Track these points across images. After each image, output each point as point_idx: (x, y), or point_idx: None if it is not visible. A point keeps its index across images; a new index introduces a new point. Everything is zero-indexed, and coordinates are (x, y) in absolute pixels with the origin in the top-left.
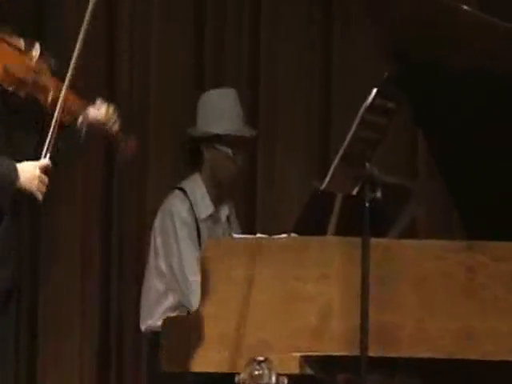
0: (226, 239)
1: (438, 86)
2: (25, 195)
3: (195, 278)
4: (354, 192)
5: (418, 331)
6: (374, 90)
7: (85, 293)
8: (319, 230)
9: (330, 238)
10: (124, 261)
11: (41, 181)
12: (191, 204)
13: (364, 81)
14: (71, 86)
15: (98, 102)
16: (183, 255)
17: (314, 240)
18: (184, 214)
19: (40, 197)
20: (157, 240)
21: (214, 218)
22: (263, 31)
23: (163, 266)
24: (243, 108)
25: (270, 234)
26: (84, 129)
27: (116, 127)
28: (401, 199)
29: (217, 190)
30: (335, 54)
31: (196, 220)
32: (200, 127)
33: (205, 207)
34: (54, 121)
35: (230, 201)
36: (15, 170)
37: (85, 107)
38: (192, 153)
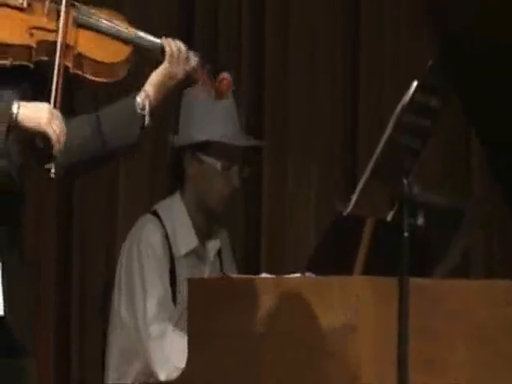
0: (218, 279)
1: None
2: (37, 138)
3: (157, 328)
4: (389, 217)
5: None
6: (414, 84)
7: None
8: (343, 267)
9: (358, 279)
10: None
11: (56, 124)
12: (167, 235)
13: (399, 75)
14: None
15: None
16: (148, 295)
17: (336, 281)
18: (155, 245)
19: (56, 142)
20: (120, 279)
21: (197, 254)
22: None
23: (126, 317)
24: (243, 110)
25: (278, 274)
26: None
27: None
28: (450, 226)
29: (203, 217)
30: (363, 48)
31: (171, 256)
32: (182, 134)
33: (185, 239)
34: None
35: (223, 231)
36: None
37: None
38: (172, 168)
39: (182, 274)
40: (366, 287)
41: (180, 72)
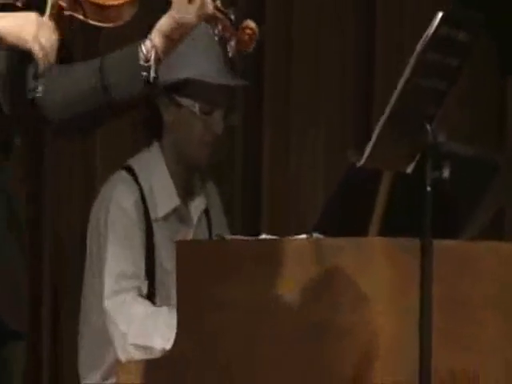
0: (212, 242)
1: None
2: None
3: (113, 300)
4: (409, 169)
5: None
6: (439, 15)
7: None
8: (356, 227)
9: (373, 241)
10: None
11: (45, 37)
12: (142, 195)
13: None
14: None
15: None
16: (107, 267)
17: (349, 243)
18: (128, 210)
19: (43, 59)
20: (91, 244)
21: (179, 215)
22: None
23: (87, 296)
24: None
25: (280, 235)
26: None
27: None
28: (480, 181)
29: (185, 171)
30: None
31: (148, 219)
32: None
33: (165, 199)
34: None
35: (210, 186)
36: None
37: None
38: (149, 116)
39: (161, 239)
40: (382, 250)
41: (192, 18)
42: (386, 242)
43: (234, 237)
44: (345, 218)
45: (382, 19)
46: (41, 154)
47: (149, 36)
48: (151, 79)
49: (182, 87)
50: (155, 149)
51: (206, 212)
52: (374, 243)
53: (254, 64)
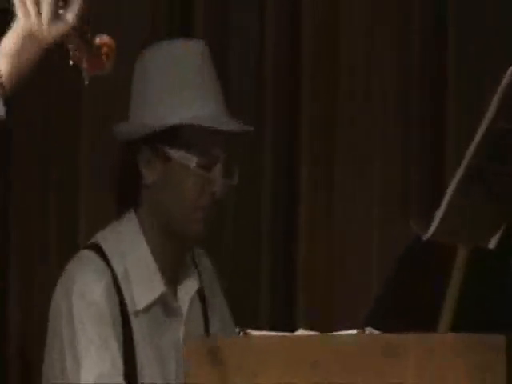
0: (230, 340)
1: None
2: None
3: None
4: (492, 245)
5: None
6: None
7: None
8: (421, 318)
9: (444, 338)
10: None
11: None
12: (116, 281)
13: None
14: None
15: None
16: (82, 371)
17: (411, 341)
18: (96, 297)
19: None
20: (50, 345)
21: (164, 302)
22: None
23: None
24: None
25: (321, 330)
26: None
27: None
28: None
29: (172, 246)
30: None
31: (124, 312)
32: (134, 120)
33: (145, 285)
34: None
35: (203, 260)
36: None
37: None
38: (121, 174)
39: (142, 336)
40: (458, 349)
41: (43, 33)
42: (462, 340)
43: (261, 333)
44: (407, 306)
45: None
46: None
47: None
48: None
49: (171, 136)
50: (130, 219)
51: (199, 292)
52: (448, 340)
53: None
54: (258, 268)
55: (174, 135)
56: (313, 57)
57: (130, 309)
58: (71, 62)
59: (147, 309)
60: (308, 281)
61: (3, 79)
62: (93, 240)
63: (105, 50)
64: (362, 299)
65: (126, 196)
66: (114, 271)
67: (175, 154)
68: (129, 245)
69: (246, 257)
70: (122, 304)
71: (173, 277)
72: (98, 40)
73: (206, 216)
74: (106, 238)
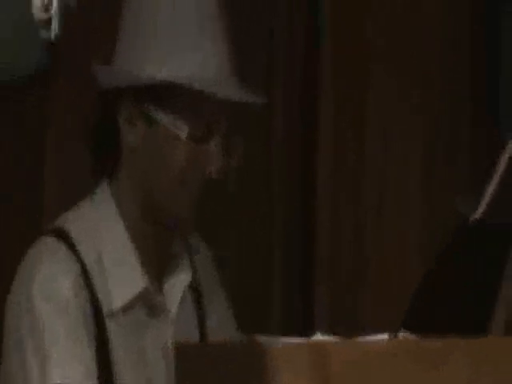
0: (232, 346)
1: None
2: None
3: None
4: None
5: None
6: None
7: None
8: (469, 319)
9: (497, 343)
10: None
11: None
12: (85, 272)
13: None
14: None
15: None
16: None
17: (458, 346)
18: (60, 295)
19: None
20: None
21: (147, 300)
22: None
23: None
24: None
25: (347, 335)
26: None
27: None
28: None
29: (155, 228)
30: None
31: (97, 312)
32: (119, 65)
33: (123, 278)
34: None
35: (197, 245)
36: None
37: None
38: (97, 132)
39: (120, 342)
40: None
41: None
42: None
43: (271, 338)
44: (450, 303)
45: None
46: None
47: None
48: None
49: (161, 93)
50: (104, 193)
51: (193, 288)
52: (500, 345)
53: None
54: (269, 259)
55: (162, 94)
56: None
57: (105, 306)
58: None
59: (126, 307)
60: (330, 273)
61: None
62: (56, 223)
63: None
64: (396, 296)
65: (99, 162)
66: (83, 261)
67: (163, 118)
68: (102, 227)
69: (256, 248)
70: (94, 300)
71: (159, 268)
72: None
73: (194, 195)
74: (74, 219)
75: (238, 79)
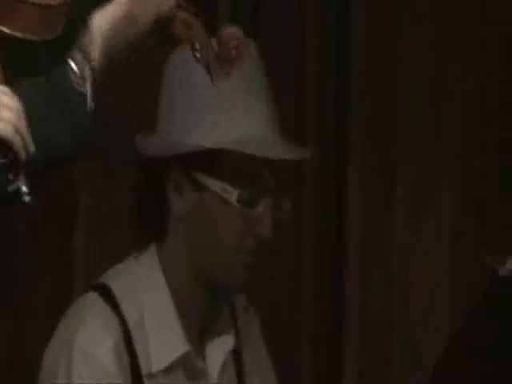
0: None
1: None
2: None
3: None
4: None
5: None
6: None
7: None
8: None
9: None
10: None
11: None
12: (127, 334)
13: None
14: None
15: None
16: None
17: None
18: (101, 354)
19: (18, 144)
20: None
21: (187, 363)
22: None
23: None
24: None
25: None
26: None
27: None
28: None
29: (202, 295)
30: None
31: (136, 373)
32: (163, 137)
33: (164, 340)
34: None
35: (246, 311)
36: None
37: None
38: (143, 201)
39: None
40: None
41: (146, 13)
42: None
43: None
44: (485, 358)
45: None
46: None
47: (77, 43)
48: (89, 109)
49: (208, 161)
50: (149, 256)
51: (235, 353)
52: None
53: None
54: (298, 312)
55: (210, 160)
56: None
57: (144, 370)
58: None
59: (165, 371)
60: (360, 328)
61: (95, 64)
62: (101, 279)
63: (232, 44)
64: (427, 351)
65: (147, 228)
66: (125, 321)
67: (212, 184)
68: (145, 288)
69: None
70: (134, 364)
71: (200, 331)
72: (223, 32)
73: (250, 261)
74: (117, 279)
75: (282, 136)
